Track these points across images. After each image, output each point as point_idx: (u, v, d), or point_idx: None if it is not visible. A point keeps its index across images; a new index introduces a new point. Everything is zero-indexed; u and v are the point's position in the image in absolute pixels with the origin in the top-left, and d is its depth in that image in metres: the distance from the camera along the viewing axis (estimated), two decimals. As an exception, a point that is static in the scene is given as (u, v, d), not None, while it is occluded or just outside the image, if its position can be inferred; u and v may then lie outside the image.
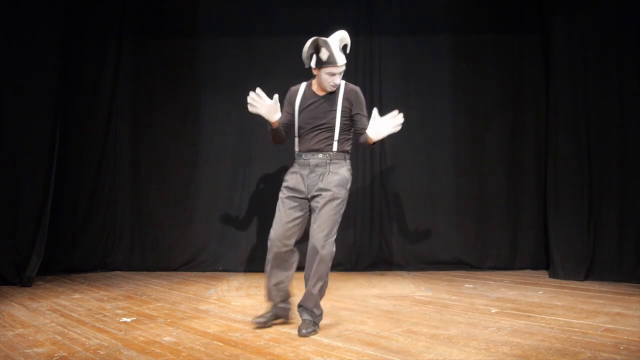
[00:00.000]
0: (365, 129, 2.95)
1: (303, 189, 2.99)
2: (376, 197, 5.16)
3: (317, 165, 2.98)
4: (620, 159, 4.35)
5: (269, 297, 3.05)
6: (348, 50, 3.01)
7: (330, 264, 2.94)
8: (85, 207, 5.04)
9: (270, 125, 3.02)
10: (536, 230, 5.02)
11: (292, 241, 2.99)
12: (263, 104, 2.91)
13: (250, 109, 2.94)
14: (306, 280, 2.99)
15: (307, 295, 2.95)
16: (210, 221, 5.15)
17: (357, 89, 3.08)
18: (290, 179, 3.05)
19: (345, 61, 2.97)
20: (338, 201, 2.93)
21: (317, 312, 2.97)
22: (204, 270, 5.08)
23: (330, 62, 2.91)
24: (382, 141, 3.02)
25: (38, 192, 4.45)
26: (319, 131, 3.00)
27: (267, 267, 3.03)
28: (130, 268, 5.12)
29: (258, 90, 2.91)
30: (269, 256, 3.01)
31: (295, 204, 2.99)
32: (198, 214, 5.16)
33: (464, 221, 5.09)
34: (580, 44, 4.55)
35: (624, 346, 2.57)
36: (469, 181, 5.12)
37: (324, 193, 2.93)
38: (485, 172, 5.11)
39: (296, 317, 3.04)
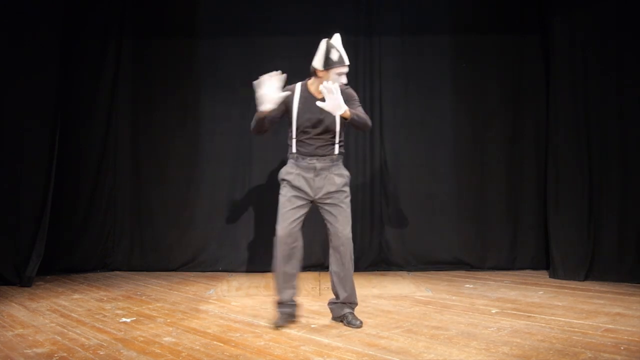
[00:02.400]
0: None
1: (309, 191, 3.07)
2: (376, 197, 5.16)
3: (322, 169, 3.08)
4: (620, 158, 4.35)
5: (283, 296, 3.08)
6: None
7: None
8: (85, 207, 5.04)
9: (262, 112, 2.97)
10: (536, 230, 5.02)
11: (299, 237, 3.09)
12: (273, 88, 2.89)
13: (261, 82, 2.89)
14: (339, 277, 3.09)
15: (348, 293, 3.10)
16: (210, 221, 5.14)
17: (349, 87, 3.16)
18: (294, 179, 3.08)
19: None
20: (348, 200, 3.12)
21: (356, 301, 3.17)
22: (204, 271, 5.08)
23: (341, 61, 3.01)
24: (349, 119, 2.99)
25: (38, 192, 4.45)
26: (322, 135, 3.07)
27: (279, 267, 3.06)
28: (130, 268, 5.12)
29: (280, 76, 2.91)
30: (279, 255, 3.04)
31: (301, 202, 3.08)
32: (198, 214, 5.15)
33: (464, 221, 5.08)
34: (580, 44, 4.54)
35: (624, 346, 2.57)
36: (469, 181, 5.12)
37: (336, 195, 3.08)
38: (485, 172, 5.11)
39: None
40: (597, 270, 4.37)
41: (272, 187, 5.06)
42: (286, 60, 5.15)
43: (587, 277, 4.37)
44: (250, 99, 5.10)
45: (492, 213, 5.08)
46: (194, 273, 5.02)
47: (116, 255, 5.16)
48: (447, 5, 5.19)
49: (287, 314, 3.10)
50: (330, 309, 3.22)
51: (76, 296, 3.98)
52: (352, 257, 3.10)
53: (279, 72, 2.92)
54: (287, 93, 2.98)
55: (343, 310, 3.13)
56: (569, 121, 4.60)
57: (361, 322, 3.05)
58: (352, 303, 3.14)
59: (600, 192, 4.43)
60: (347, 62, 3.04)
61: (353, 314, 3.11)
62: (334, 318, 3.19)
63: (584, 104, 4.52)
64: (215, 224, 5.14)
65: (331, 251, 3.11)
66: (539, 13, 5.06)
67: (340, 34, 3.10)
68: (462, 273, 4.91)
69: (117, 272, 5.06)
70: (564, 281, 4.39)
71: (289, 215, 3.06)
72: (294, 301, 3.14)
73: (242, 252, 5.11)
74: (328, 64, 2.99)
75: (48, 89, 4.55)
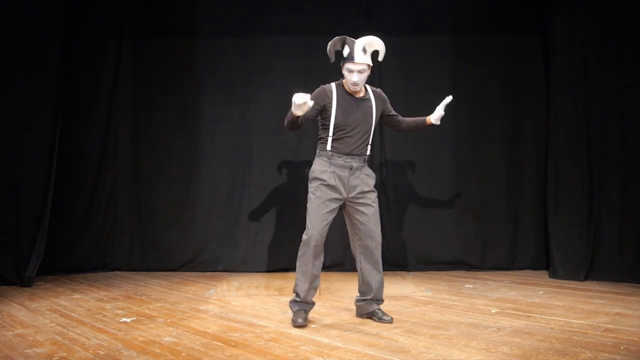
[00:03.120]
0: (398, 117, 3.34)
1: (343, 190, 3.10)
2: (376, 197, 5.16)
3: (357, 169, 3.12)
4: (620, 159, 4.35)
5: (308, 296, 3.10)
6: (380, 57, 3.12)
7: None
8: (85, 207, 5.04)
9: (293, 115, 2.94)
10: (536, 230, 5.02)
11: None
12: (305, 99, 2.86)
13: (299, 96, 2.85)
14: (372, 274, 3.14)
15: (379, 286, 3.16)
16: (210, 221, 5.14)
17: (380, 90, 3.27)
18: (329, 178, 3.08)
19: (365, 61, 3.03)
20: (377, 200, 3.20)
21: (384, 298, 3.23)
22: (204, 270, 5.08)
23: (349, 58, 3.02)
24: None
25: (38, 192, 4.44)
26: (359, 135, 3.12)
27: (308, 267, 3.06)
28: (130, 268, 5.12)
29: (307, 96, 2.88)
30: (310, 255, 3.05)
31: (335, 205, 3.10)
32: (198, 214, 5.15)
33: (464, 221, 5.09)
34: (580, 44, 4.55)
35: (624, 346, 2.57)
36: (469, 181, 5.12)
37: (369, 195, 3.14)
38: (485, 172, 5.11)
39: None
40: (597, 270, 4.37)
41: (272, 186, 5.10)
42: (286, 60, 5.17)
43: (587, 277, 4.37)
44: (250, 99, 5.17)
45: (492, 213, 5.07)
46: (194, 273, 5.02)
47: (116, 255, 5.16)
48: (447, 5, 5.19)
49: (306, 312, 3.13)
50: (357, 306, 3.26)
51: (76, 296, 3.97)
52: (381, 255, 3.18)
53: (309, 96, 2.88)
54: (311, 103, 2.91)
55: (372, 307, 3.18)
56: (569, 121, 4.60)
57: (391, 318, 3.12)
58: (380, 299, 3.20)
59: (600, 192, 4.43)
60: (357, 59, 3.01)
61: (382, 310, 3.18)
62: (360, 315, 3.25)
63: (584, 104, 4.52)
64: (215, 224, 5.14)
65: (360, 249, 3.15)
66: (539, 13, 5.06)
67: (340, 34, 3.10)
68: (462, 273, 4.91)
69: (117, 272, 5.06)
70: (564, 281, 4.39)
71: (323, 218, 3.05)
72: (313, 302, 3.19)
73: (242, 252, 5.11)
74: (341, 60, 3.06)
75: (48, 89, 4.55)
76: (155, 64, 5.22)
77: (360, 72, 3.03)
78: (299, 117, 2.96)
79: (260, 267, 5.06)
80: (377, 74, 5.19)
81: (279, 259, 4.97)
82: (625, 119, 4.33)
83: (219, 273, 5.02)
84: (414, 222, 5.12)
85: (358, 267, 3.20)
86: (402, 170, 5.17)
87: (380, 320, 3.12)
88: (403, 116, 3.39)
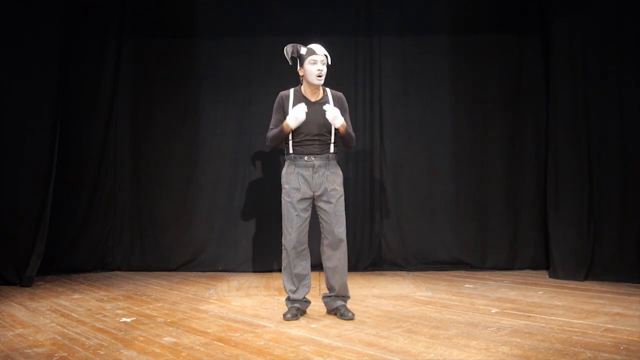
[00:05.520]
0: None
1: (308, 189, 3.19)
2: (376, 197, 5.16)
3: (319, 167, 3.19)
4: (620, 159, 4.35)
5: (297, 295, 3.23)
6: (329, 61, 3.23)
7: None
8: (85, 207, 5.04)
9: (285, 130, 3.17)
10: (536, 230, 5.02)
11: (306, 239, 3.24)
12: (302, 111, 3.14)
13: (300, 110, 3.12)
14: (334, 272, 3.22)
15: (340, 286, 3.24)
16: (210, 221, 5.14)
17: (342, 94, 3.33)
18: (293, 180, 3.20)
19: (325, 53, 3.18)
20: (342, 199, 3.25)
21: (348, 294, 3.31)
22: (204, 270, 5.08)
23: (309, 53, 3.15)
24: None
25: (38, 192, 4.45)
26: (318, 135, 3.19)
27: (291, 269, 3.22)
28: (130, 268, 5.12)
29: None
30: (291, 259, 3.20)
31: (304, 205, 3.20)
32: (198, 214, 5.16)
33: (464, 221, 5.09)
34: (580, 44, 4.54)
35: (624, 346, 2.57)
36: (469, 181, 5.12)
37: (332, 193, 3.21)
38: (485, 172, 5.11)
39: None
40: (597, 270, 4.37)
41: (271, 186, 5.08)
42: (286, 61, 5.17)
43: (587, 277, 4.37)
44: (250, 99, 5.17)
45: (492, 213, 5.08)
46: (194, 273, 5.02)
47: (116, 255, 5.16)
48: (447, 5, 5.19)
49: (298, 309, 3.24)
50: (324, 302, 3.35)
51: (76, 296, 3.98)
52: (346, 253, 3.23)
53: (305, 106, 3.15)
54: (303, 118, 3.13)
55: (336, 303, 3.26)
56: (568, 121, 4.60)
57: (353, 314, 3.19)
58: (344, 296, 3.28)
59: (600, 192, 4.43)
60: (317, 51, 3.15)
61: (345, 306, 3.25)
62: (328, 311, 3.33)
63: (584, 104, 4.52)
64: (215, 224, 5.14)
65: (324, 248, 3.24)
66: (539, 13, 5.06)
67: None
68: (462, 273, 4.92)
69: (117, 272, 5.06)
70: (564, 281, 4.39)
71: (295, 221, 3.17)
72: (307, 299, 3.30)
73: (242, 252, 5.11)
74: (301, 59, 3.18)
75: (48, 89, 4.55)
76: (155, 64, 5.22)
77: (323, 62, 3.15)
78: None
79: (260, 267, 5.06)
80: (377, 74, 5.20)
81: (279, 259, 4.95)
82: (625, 119, 4.32)
83: (219, 273, 5.02)
84: (414, 222, 5.12)
85: (324, 265, 3.26)
86: (402, 170, 5.17)
87: (341, 316, 3.18)
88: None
